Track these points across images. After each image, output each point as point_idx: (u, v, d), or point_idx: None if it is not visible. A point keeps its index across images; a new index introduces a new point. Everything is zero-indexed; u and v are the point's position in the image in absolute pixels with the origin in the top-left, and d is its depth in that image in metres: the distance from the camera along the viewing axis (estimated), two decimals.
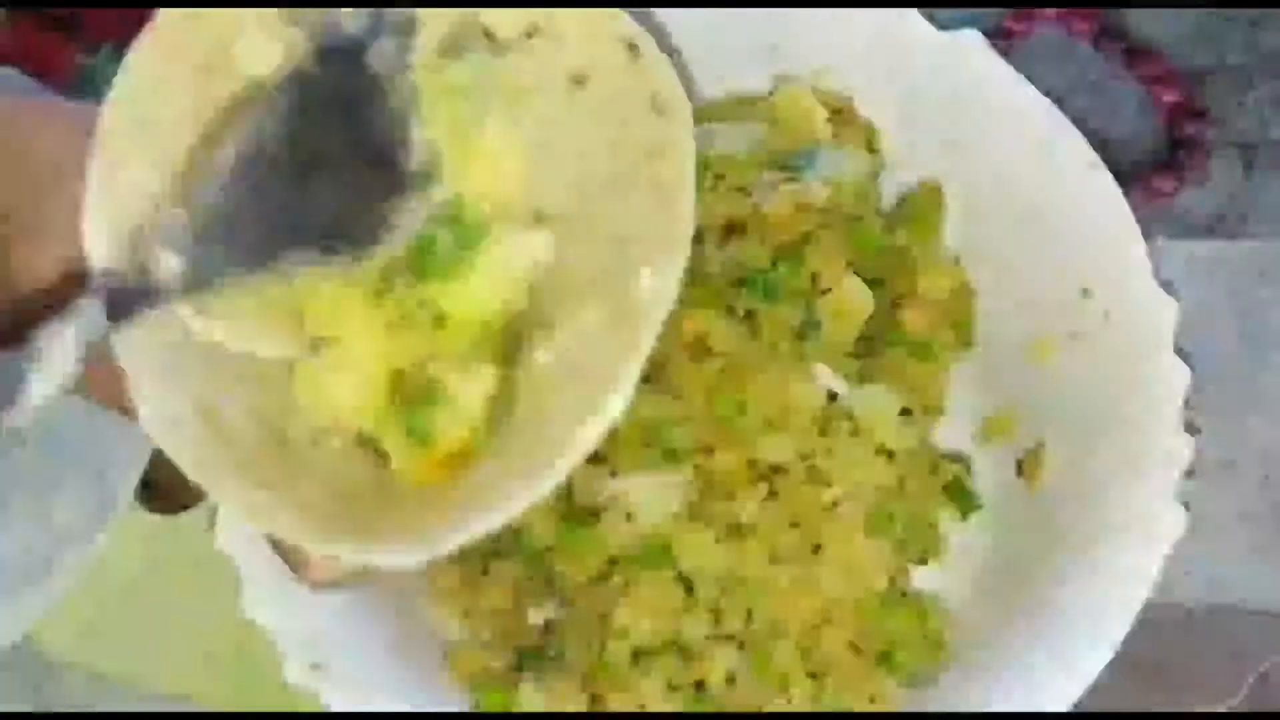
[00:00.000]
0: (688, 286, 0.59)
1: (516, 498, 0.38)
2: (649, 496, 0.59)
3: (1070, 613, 0.58)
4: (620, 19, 0.41)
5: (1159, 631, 0.60)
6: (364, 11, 0.40)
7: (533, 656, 0.62)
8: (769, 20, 0.65)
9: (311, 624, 0.57)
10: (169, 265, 0.39)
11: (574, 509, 0.60)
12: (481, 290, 0.41)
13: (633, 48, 0.41)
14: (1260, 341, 0.70)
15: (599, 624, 0.60)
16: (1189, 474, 0.58)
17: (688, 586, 0.60)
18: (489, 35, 0.41)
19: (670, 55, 0.41)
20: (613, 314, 0.40)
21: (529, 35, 0.41)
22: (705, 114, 0.66)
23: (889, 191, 0.66)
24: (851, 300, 0.61)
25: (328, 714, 0.56)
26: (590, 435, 0.39)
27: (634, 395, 0.61)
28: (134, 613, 0.67)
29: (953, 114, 0.65)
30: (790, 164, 0.64)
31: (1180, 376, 0.60)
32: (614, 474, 0.59)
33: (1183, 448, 0.59)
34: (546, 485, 0.39)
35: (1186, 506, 0.58)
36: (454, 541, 0.38)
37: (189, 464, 0.39)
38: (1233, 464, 0.68)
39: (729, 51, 0.66)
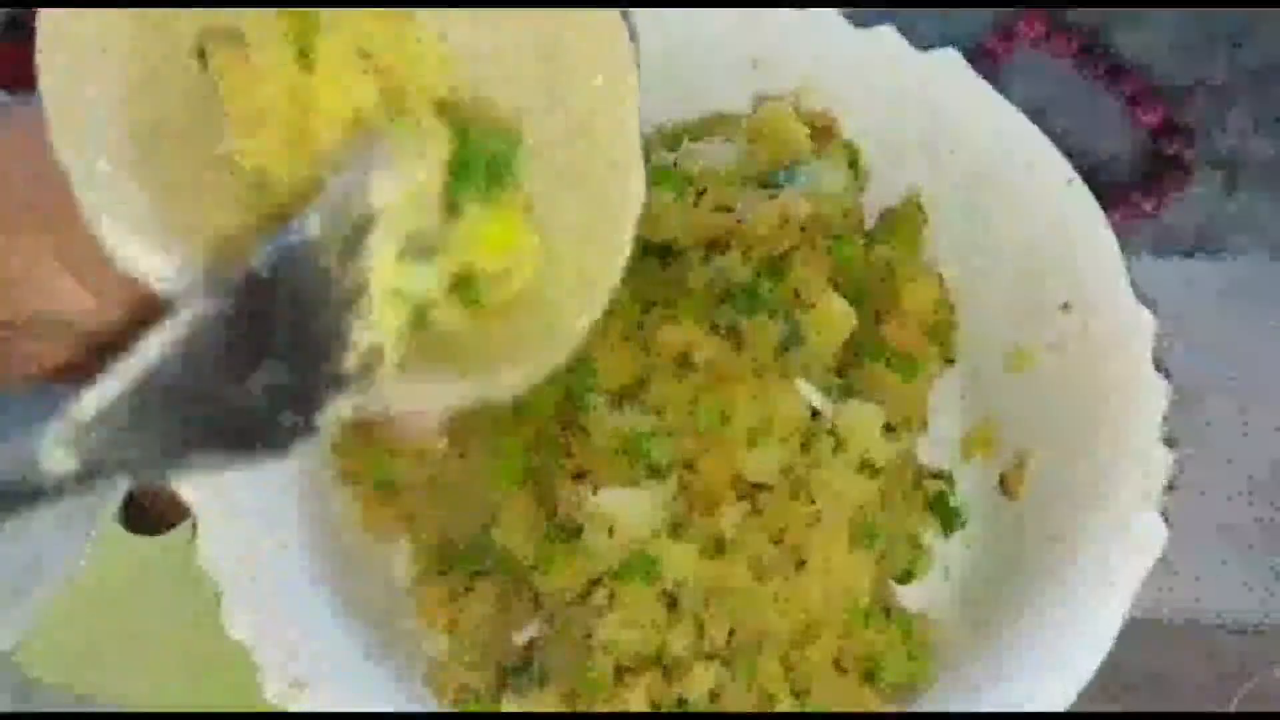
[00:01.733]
0: (671, 301, 0.61)
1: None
2: (631, 511, 0.59)
3: (1054, 625, 0.58)
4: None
5: (1142, 645, 0.59)
6: (324, 211, 0.38)
7: (516, 674, 0.62)
8: (751, 38, 0.66)
9: (292, 640, 0.57)
10: (62, 464, 0.37)
11: (556, 525, 0.60)
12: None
13: None
14: (1241, 357, 0.70)
15: (582, 640, 0.60)
16: (1170, 487, 0.58)
17: (671, 601, 0.60)
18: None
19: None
20: (578, 126, 0.42)
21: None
22: (688, 132, 0.67)
23: (871, 207, 0.66)
24: (833, 315, 0.61)
25: (323, 714, 0.56)
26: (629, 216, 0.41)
27: (616, 410, 0.61)
28: (116, 632, 0.67)
29: (933, 131, 0.65)
30: (772, 181, 0.64)
31: (1159, 390, 0.60)
32: (595, 489, 0.59)
33: (1162, 460, 0.59)
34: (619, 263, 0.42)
35: (1167, 519, 0.58)
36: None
37: None
38: (1214, 478, 0.68)
39: (711, 70, 0.66)
